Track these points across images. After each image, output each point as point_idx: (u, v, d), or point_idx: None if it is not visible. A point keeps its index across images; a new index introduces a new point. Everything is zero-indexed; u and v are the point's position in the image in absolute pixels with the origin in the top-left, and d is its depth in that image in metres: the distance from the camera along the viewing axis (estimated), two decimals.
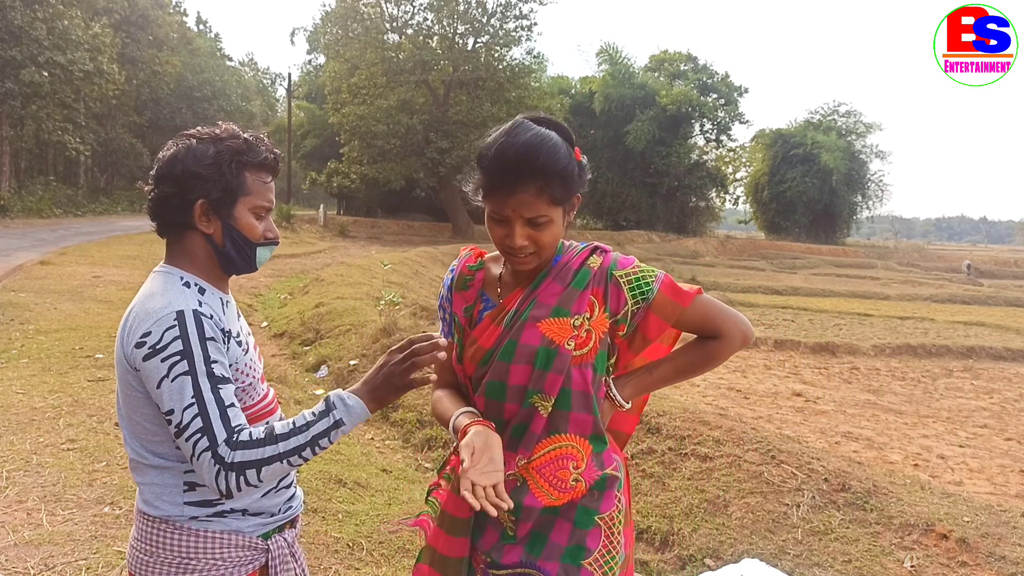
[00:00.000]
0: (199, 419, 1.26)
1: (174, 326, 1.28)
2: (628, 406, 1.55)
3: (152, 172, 1.41)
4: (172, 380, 1.27)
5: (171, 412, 1.27)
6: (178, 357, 1.27)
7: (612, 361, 1.54)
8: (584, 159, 1.49)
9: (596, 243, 1.57)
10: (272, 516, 1.47)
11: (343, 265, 16.12)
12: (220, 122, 1.47)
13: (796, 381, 9.60)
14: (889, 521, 3.67)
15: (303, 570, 1.56)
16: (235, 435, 1.29)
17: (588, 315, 1.46)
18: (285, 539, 1.49)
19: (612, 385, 1.54)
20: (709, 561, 3.56)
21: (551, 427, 1.47)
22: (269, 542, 1.45)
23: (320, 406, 1.36)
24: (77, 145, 29.50)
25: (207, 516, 1.39)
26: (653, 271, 1.51)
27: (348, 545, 3.32)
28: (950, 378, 9.89)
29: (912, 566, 3.37)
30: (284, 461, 1.29)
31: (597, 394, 1.49)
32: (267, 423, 1.45)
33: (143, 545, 1.40)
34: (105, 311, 8.95)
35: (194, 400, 1.27)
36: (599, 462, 1.50)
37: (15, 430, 4.26)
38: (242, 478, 1.27)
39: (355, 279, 12.93)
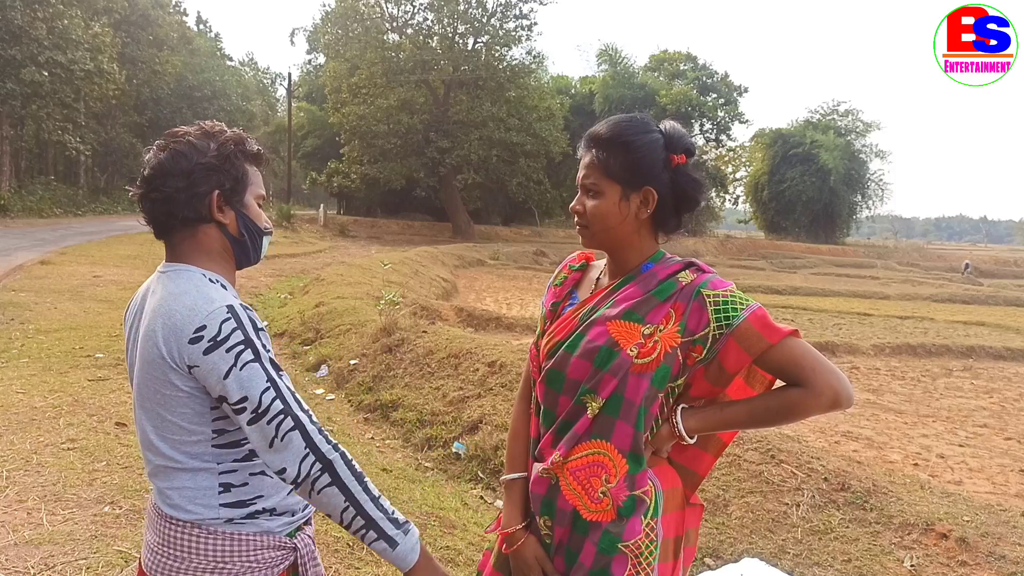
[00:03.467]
0: (279, 401, 1.27)
1: (229, 318, 1.28)
2: (690, 440, 1.48)
3: (146, 174, 1.35)
4: (241, 368, 1.26)
5: (244, 399, 1.26)
6: (243, 346, 1.27)
7: (679, 382, 1.47)
8: (698, 175, 1.49)
9: (693, 259, 1.52)
10: (294, 515, 1.45)
11: (343, 265, 16.13)
12: (198, 121, 1.45)
13: None
14: (889, 520, 3.67)
15: (321, 567, 1.55)
16: (322, 431, 1.31)
17: (661, 327, 1.42)
18: (308, 535, 1.48)
19: (677, 412, 1.48)
20: (709, 560, 3.56)
21: (594, 430, 1.45)
22: (295, 540, 1.43)
23: (401, 518, 1.36)
24: (77, 145, 29.44)
25: (241, 518, 1.36)
26: (747, 300, 1.43)
27: (348, 544, 3.31)
28: (950, 378, 9.88)
29: (912, 565, 3.38)
30: (345, 499, 1.29)
31: (649, 408, 1.45)
32: None
33: (171, 551, 1.35)
34: (105, 310, 8.95)
35: (269, 385, 1.28)
36: (631, 483, 1.45)
37: (15, 430, 4.26)
38: (322, 475, 1.28)
39: (355, 279, 12.94)
